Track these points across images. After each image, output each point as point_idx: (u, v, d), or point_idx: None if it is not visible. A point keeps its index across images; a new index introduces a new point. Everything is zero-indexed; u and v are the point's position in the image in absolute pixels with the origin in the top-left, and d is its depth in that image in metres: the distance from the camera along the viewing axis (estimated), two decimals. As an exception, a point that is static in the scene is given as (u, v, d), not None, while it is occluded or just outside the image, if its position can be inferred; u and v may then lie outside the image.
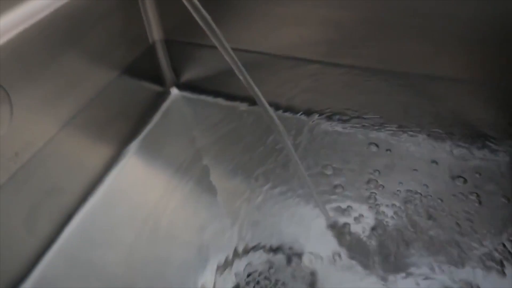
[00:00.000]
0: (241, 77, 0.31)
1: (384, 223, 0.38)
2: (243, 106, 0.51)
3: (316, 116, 0.49)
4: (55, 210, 0.37)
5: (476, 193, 0.39)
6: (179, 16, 0.47)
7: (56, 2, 0.34)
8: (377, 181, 0.41)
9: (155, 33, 0.49)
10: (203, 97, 0.52)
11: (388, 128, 0.46)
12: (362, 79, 0.44)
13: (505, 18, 0.35)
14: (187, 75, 0.53)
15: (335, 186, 0.41)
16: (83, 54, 0.38)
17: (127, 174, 0.43)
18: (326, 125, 0.47)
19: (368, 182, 0.41)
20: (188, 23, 0.48)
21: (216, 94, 0.52)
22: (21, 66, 0.32)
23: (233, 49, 0.29)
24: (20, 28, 0.31)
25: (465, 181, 0.40)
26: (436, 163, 0.42)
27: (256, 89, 0.31)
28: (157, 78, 0.51)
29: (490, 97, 0.41)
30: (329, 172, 0.43)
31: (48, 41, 0.34)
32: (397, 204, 0.39)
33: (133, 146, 0.46)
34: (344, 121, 0.47)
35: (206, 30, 0.29)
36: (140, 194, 0.42)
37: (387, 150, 0.44)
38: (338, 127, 0.47)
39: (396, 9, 0.38)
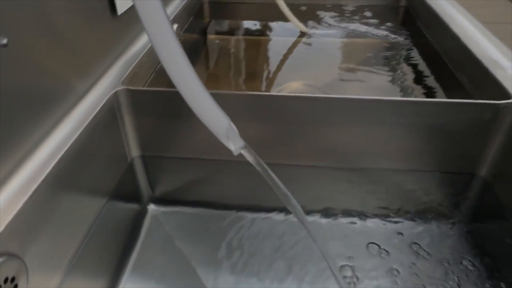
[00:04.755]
0: (275, 188, 0.33)
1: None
2: (222, 213, 0.52)
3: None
4: None
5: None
6: (154, 132, 0.49)
7: (57, 154, 0.34)
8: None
9: (133, 150, 0.49)
10: (179, 208, 0.53)
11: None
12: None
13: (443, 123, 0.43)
14: (162, 189, 0.53)
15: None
16: (79, 194, 0.37)
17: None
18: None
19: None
20: (161, 138, 0.49)
21: (193, 204, 0.53)
22: (31, 229, 0.30)
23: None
24: (29, 192, 0.30)
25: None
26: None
27: (291, 198, 0.33)
28: (135, 196, 0.51)
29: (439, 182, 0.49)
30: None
31: (51, 194, 0.33)
32: None
33: (125, 274, 0.44)
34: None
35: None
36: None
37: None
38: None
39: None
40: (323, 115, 0.44)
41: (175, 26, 0.63)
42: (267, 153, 0.49)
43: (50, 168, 0.32)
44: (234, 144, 0.28)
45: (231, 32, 0.86)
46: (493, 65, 0.47)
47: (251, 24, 0.86)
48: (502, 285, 0.43)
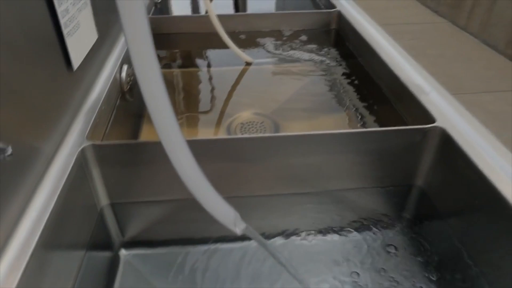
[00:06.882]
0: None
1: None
2: (193, 248, 0.54)
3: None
4: None
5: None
6: (120, 180, 0.50)
7: (39, 225, 0.35)
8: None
9: (102, 200, 0.50)
10: (150, 250, 0.54)
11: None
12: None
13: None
14: (132, 233, 0.54)
15: None
16: (61, 254, 0.38)
17: None
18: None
19: None
20: (127, 185, 0.51)
21: (163, 243, 0.55)
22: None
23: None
24: (21, 268, 0.31)
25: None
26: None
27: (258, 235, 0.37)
28: (107, 243, 0.51)
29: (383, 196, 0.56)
30: None
31: (40, 263, 0.34)
32: None
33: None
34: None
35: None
36: None
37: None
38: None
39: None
40: (279, 150, 0.48)
41: (125, 67, 0.64)
42: (231, 188, 0.53)
43: (35, 241, 0.33)
44: (239, 228, 0.32)
45: (175, 63, 0.88)
46: (417, 90, 0.55)
47: (196, 55, 0.89)
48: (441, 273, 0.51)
